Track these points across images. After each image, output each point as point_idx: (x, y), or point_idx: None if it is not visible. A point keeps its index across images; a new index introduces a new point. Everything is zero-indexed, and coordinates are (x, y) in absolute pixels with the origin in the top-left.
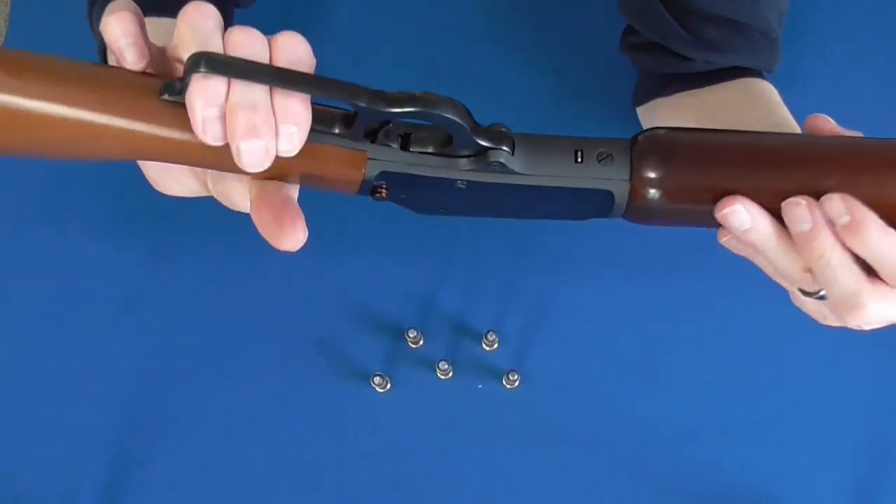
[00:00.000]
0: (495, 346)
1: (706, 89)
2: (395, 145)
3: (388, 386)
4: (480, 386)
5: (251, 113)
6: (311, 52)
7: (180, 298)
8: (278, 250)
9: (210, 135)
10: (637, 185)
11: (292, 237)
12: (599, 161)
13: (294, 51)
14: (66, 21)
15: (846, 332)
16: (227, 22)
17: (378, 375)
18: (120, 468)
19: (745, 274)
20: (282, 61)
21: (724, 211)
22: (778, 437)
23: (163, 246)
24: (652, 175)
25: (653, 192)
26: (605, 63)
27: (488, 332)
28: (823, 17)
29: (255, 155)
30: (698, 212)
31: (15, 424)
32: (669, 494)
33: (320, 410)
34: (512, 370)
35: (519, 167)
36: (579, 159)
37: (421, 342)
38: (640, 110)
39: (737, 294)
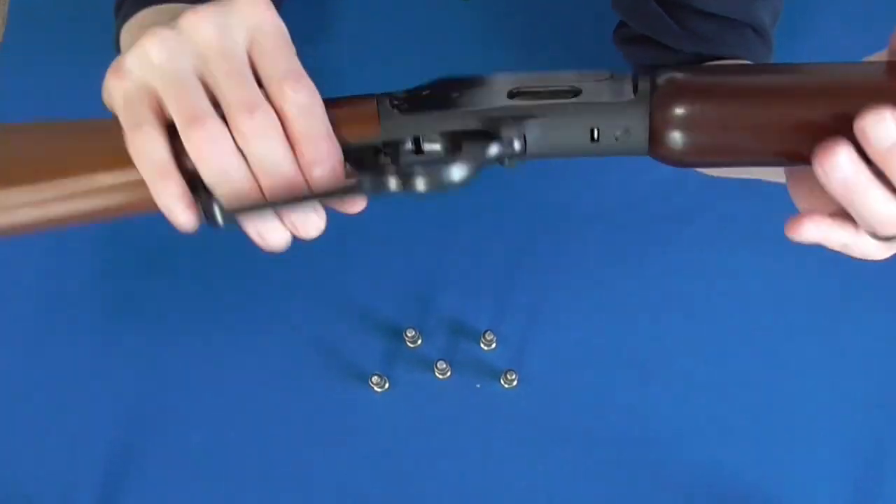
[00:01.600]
0: (493, 345)
1: None
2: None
3: (387, 385)
4: (478, 385)
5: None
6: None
7: (176, 299)
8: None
9: (274, 242)
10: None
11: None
12: (616, 140)
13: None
14: (63, 18)
15: (843, 332)
16: None
17: (376, 375)
18: (116, 469)
19: (742, 275)
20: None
21: (866, 120)
22: (773, 436)
23: (159, 246)
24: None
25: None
26: (599, 60)
27: (486, 331)
28: (819, 16)
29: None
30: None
31: (12, 426)
32: (666, 493)
33: (318, 410)
34: (510, 370)
35: (534, 148)
36: (595, 138)
37: (419, 342)
38: None
39: (733, 293)
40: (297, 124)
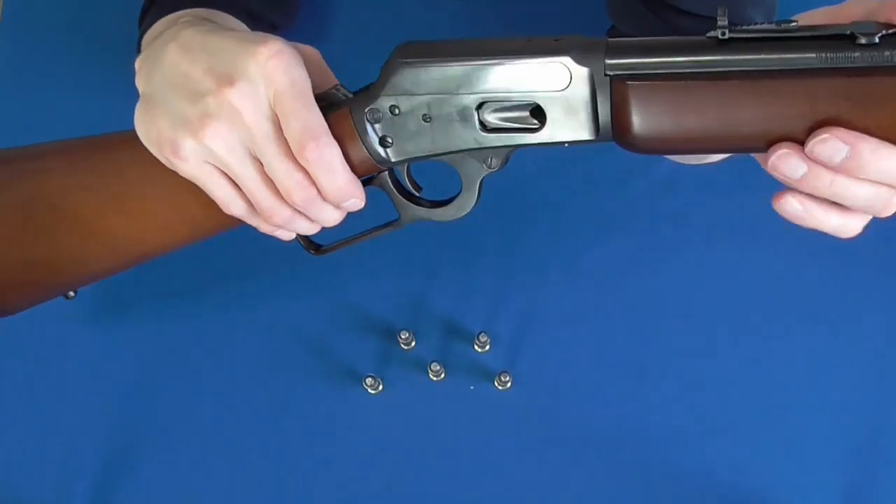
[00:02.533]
0: (487, 347)
1: None
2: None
3: (380, 387)
4: (472, 387)
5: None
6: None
7: (170, 299)
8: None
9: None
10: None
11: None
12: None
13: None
14: (60, 13)
15: (837, 332)
16: None
17: (370, 377)
18: (111, 468)
19: (735, 276)
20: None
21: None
22: (767, 436)
23: None
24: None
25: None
26: None
27: (480, 333)
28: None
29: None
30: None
31: (7, 424)
32: (659, 494)
33: (312, 412)
34: (503, 371)
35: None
36: (566, 147)
37: (413, 343)
38: None
39: (727, 294)
40: (321, 182)
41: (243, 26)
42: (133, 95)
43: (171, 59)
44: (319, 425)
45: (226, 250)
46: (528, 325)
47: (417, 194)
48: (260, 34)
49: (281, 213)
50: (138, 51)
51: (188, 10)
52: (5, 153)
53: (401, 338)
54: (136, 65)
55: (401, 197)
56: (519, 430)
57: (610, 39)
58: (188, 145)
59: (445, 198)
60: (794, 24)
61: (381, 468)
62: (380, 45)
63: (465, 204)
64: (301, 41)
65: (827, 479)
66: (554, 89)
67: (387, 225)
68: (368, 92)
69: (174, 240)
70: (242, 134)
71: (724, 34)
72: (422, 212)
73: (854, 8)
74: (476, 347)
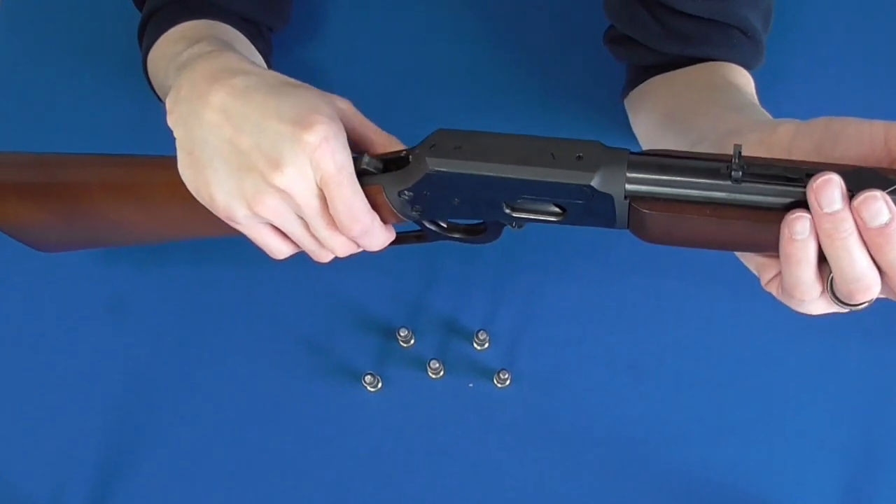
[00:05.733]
0: (486, 345)
1: (678, 71)
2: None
3: (380, 385)
4: (471, 385)
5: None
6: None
7: (169, 298)
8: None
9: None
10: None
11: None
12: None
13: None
14: (57, 16)
15: (834, 332)
16: (266, 48)
17: (369, 374)
18: (108, 469)
19: (734, 274)
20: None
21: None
22: (767, 436)
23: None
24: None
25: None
26: (594, 60)
27: (479, 331)
28: (813, 15)
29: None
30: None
31: (3, 421)
32: (658, 492)
33: (311, 410)
34: (503, 369)
35: None
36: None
37: (412, 341)
38: (625, 102)
39: (726, 294)
40: (361, 242)
41: (242, 38)
42: (134, 97)
43: (212, 121)
44: (318, 423)
45: (224, 249)
46: (527, 322)
47: (444, 226)
48: (301, 106)
49: (325, 257)
50: (144, 68)
51: (194, 27)
52: (44, 157)
53: (400, 335)
54: (168, 105)
55: (431, 229)
56: (518, 428)
57: (630, 157)
58: (242, 213)
59: (466, 224)
60: (804, 171)
61: (380, 466)
62: (372, 47)
63: (488, 240)
64: (293, 44)
65: (825, 480)
66: (576, 201)
67: (416, 238)
68: (401, 174)
69: (189, 235)
70: (292, 205)
71: (737, 176)
72: (448, 240)
73: (787, 126)
74: (475, 345)
